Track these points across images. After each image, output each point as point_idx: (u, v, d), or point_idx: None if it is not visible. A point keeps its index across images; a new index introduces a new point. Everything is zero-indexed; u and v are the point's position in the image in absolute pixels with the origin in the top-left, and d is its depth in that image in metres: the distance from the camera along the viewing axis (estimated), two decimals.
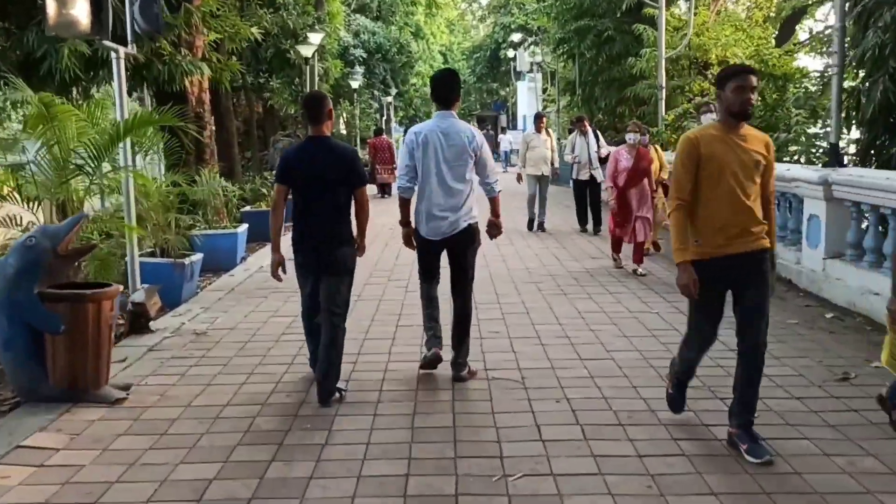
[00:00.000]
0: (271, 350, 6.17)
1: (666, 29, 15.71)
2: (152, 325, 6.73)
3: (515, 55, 37.26)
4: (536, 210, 12.89)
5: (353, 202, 4.84)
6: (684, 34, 15.34)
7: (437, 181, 5.03)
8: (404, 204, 5.24)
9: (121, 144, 6.40)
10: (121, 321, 6.56)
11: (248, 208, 12.78)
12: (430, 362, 5.32)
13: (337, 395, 4.84)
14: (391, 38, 30.85)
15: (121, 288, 5.32)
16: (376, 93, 33.88)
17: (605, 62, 19.39)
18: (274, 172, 6.10)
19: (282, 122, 25.16)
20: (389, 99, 35.78)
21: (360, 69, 25.67)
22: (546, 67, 30.68)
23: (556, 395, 5.01)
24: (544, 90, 31.90)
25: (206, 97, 10.90)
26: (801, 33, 25.65)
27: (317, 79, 17.95)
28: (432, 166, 5.03)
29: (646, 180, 9.11)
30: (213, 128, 11.55)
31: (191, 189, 8.53)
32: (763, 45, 12.50)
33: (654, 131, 14.11)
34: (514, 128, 37.29)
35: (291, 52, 17.18)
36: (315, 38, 15.78)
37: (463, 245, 5.14)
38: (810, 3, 23.30)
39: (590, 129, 12.51)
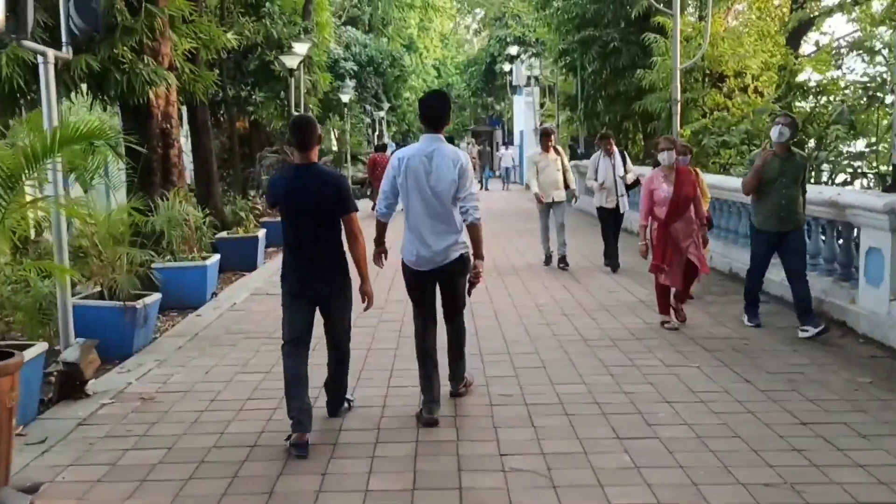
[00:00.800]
0: (231, 425, 4.95)
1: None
2: (89, 387, 5.52)
3: (512, 69, 36.25)
4: (552, 243, 10.98)
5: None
6: (698, 44, 14.28)
7: (424, 209, 4.78)
8: (380, 225, 5.09)
9: (50, 164, 5.19)
10: (52, 379, 5.37)
11: (224, 234, 11.56)
12: (428, 423, 4.82)
13: (346, 405, 5.01)
14: (383, 50, 29.76)
15: (24, 358, 4.11)
16: (368, 107, 32.78)
17: (610, 75, 18.35)
18: (261, 191, 5.51)
19: (269, 138, 24.01)
20: (382, 114, 34.66)
21: (350, 83, 24.56)
22: (544, 81, 29.66)
23: (596, 496, 3.82)
24: (542, 105, 30.86)
25: (174, 111, 9.71)
26: (806, 45, 24.77)
27: (303, 92, 16.78)
28: (417, 194, 4.79)
29: (692, 209, 7.17)
30: (182, 145, 10.33)
31: (142, 218, 7.28)
32: (789, 54, 11.42)
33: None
34: (511, 143, 36.20)
35: (276, 63, 16.03)
36: (301, 48, 14.64)
37: (453, 275, 4.93)
38: (817, 14, 22.35)
39: (616, 150, 10.60)
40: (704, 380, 5.72)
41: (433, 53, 52.31)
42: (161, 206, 8.48)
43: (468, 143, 35.44)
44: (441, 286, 4.98)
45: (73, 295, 6.77)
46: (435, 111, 4.93)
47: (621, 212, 10.58)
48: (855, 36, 23.11)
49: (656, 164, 7.58)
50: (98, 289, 6.81)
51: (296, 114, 19.43)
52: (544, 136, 10.98)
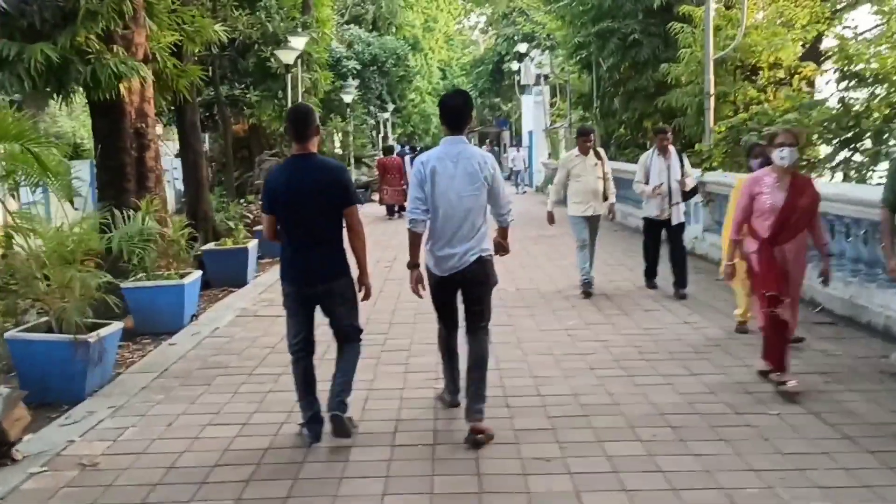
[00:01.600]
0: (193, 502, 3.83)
1: (702, 29, 13.49)
2: (17, 449, 4.38)
3: (520, 68, 35.09)
4: (588, 264, 8.97)
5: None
6: (728, 35, 13.11)
7: (447, 213, 4.53)
8: (415, 241, 4.63)
9: None
10: None
11: (210, 246, 10.43)
12: (452, 405, 5.02)
13: (351, 424, 4.62)
14: (387, 48, 28.65)
15: None
16: (372, 108, 31.70)
17: (629, 69, 17.17)
18: (258, 196, 4.75)
19: (268, 141, 22.94)
20: (387, 115, 33.58)
21: (353, 82, 23.46)
22: (554, 80, 28.48)
23: None
24: (552, 104, 29.70)
25: (150, 108, 8.59)
26: (827, 40, 23.54)
27: (301, 91, 15.66)
28: (442, 198, 4.53)
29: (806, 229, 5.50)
30: (167, 148, 9.20)
31: (93, 234, 6.14)
32: (843, 39, 10.22)
33: (699, 148, 11.84)
34: (519, 144, 35.01)
35: (273, 59, 14.95)
36: (298, 42, 13.54)
37: (475, 281, 4.61)
38: (840, 6, 21.10)
39: (672, 149, 8.50)
40: None
41: (438, 54, 51.29)
42: (130, 216, 7.33)
43: (477, 146, 34.47)
44: (464, 293, 4.70)
45: (14, 326, 5.66)
46: (457, 111, 4.67)
47: (674, 223, 8.48)
48: (878, 30, 21.90)
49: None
50: (45, 319, 5.68)
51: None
52: (582, 136, 8.74)
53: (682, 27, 13.65)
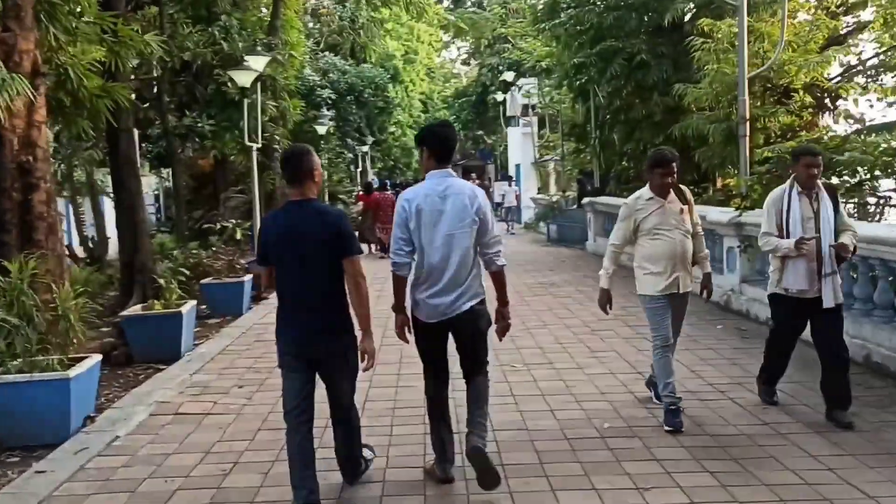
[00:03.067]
0: None
1: (727, 45, 11.71)
2: None
3: (505, 98, 33.46)
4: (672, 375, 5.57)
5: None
6: (756, 51, 11.31)
7: (435, 254, 4.20)
8: (400, 284, 4.31)
9: None
10: None
11: (133, 311, 8.30)
12: (444, 481, 4.35)
13: (364, 465, 4.39)
14: (365, 77, 26.80)
15: None
16: (350, 141, 29.80)
17: (632, 95, 15.36)
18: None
19: (235, 176, 20.92)
20: (365, 148, 31.69)
21: (327, 112, 21.53)
22: (544, 110, 26.74)
23: None
24: (541, 136, 27.97)
25: (41, 137, 6.50)
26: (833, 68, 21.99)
27: (264, 119, 13.64)
28: (429, 238, 4.21)
29: None
30: (51, 186, 7.12)
31: None
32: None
33: (737, 182, 9.94)
34: (512, 178, 33.16)
35: (230, 84, 13.00)
36: (257, 62, 11.59)
37: (468, 330, 4.26)
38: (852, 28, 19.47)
39: (822, 186, 5.34)
40: None
41: (419, 87, 49.75)
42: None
43: (472, 181, 32.54)
44: (456, 339, 4.34)
45: None
46: (448, 142, 4.40)
47: (828, 305, 5.20)
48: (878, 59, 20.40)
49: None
50: None
51: (279, 144, 16.41)
52: (659, 167, 5.35)
53: (704, 42, 11.83)
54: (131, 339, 7.77)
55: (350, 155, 30.05)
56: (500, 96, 33.80)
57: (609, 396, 6.20)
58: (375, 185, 22.73)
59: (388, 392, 6.32)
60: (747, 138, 9.72)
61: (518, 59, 28.66)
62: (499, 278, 4.32)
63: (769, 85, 11.54)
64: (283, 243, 3.89)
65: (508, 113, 33.06)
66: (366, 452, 4.44)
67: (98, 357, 5.88)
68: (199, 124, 13.56)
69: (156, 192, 26.74)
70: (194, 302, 8.45)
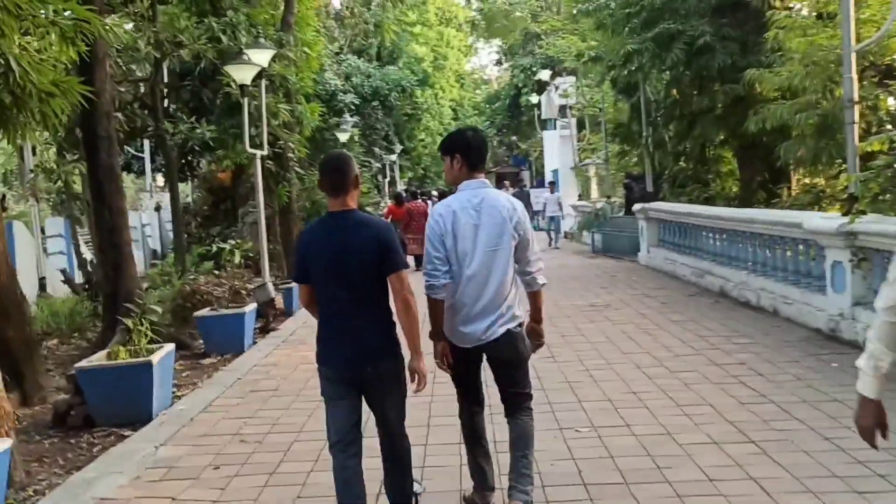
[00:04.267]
0: None
1: (812, 20, 9.81)
2: None
3: (540, 100, 31.65)
4: None
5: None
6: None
7: (471, 273, 3.84)
8: (437, 309, 3.90)
9: None
10: None
11: (89, 362, 6.63)
12: None
13: (414, 501, 3.98)
14: (390, 79, 25.15)
15: None
16: (377, 150, 28.23)
17: (691, 85, 13.47)
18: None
19: (253, 190, 19.42)
20: (394, 157, 30.09)
21: (350, 118, 19.92)
22: (584, 109, 24.82)
23: None
24: (580, 138, 26.08)
25: None
26: None
27: (274, 123, 12.01)
28: (464, 255, 3.85)
29: None
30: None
31: None
32: None
33: (850, 177, 8.04)
34: (541, 185, 31.26)
35: (233, 85, 11.42)
36: (259, 56, 9.97)
37: (505, 359, 3.94)
38: None
39: None
40: None
41: (449, 93, 48.23)
42: None
43: (505, 188, 30.38)
44: (493, 367, 3.98)
45: None
46: (481, 148, 4.01)
47: None
48: None
49: None
50: None
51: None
52: None
53: (787, 16, 9.90)
54: (90, 395, 6.15)
55: (377, 164, 28.47)
56: (534, 98, 32.05)
57: (723, 486, 4.37)
58: (405, 196, 21.12)
59: (422, 416, 5.62)
60: (856, 126, 7.82)
61: (553, 56, 26.83)
62: (537, 297, 4.07)
63: (869, 63, 9.60)
64: (325, 258, 3.62)
65: (544, 115, 31.20)
66: (415, 486, 3.98)
67: (8, 442, 4.22)
68: (198, 130, 11.96)
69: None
70: (171, 346, 6.77)
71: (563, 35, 23.94)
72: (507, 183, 29.31)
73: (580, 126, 27.00)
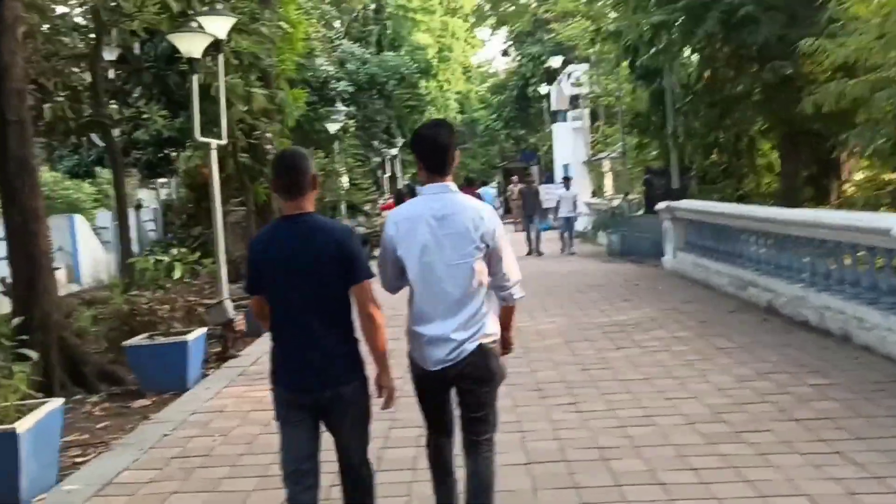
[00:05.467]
0: None
1: None
2: None
3: (549, 91, 29.81)
4: None
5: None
6: None
7: (434, 294, 3.45)
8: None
9: None
10: None
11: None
12: None
13: None
14: (388, 66, 23.31)
15: None
16: (377, 143, 26.47)
17: (727, 66, 11.64)
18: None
19: (236, 188, 17.66)
20: (395, 151, 28.32)
21: (342, 108, 18.10)
22: (601, 97, 22.94)
23: None
24: (594, 130, 24.24)
25: None
26: None
27: (229, 105, 10.20)
28: (424, 268, 3.44)
29: None
30: None
31: None
32: None
33: None
34: (550, 180, 29.39)
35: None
36: (214, 25, 8.16)
37: (474, 377, 3.47)
38: None
39: None
40: None
41: (455, 85, 46.44)
42: None
43: (513, 183, 28.25)
44: (458, 393, 3.54)
45: None
46: (439, 147, 3.49)
47: None
48: None
49: None
50: None
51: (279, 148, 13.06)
52: None
53: None
54: None
55: (377, 158, 26.69)
56: (543, 89, 30.22)
57: None
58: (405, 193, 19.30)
59: (409, 435, 5.00)
60: None
61: (563, 43, 24.97)
62: (511, 312, 3.66)
63: None
64: (278, 267, 3.31)
65: (554, 107, 29.31)
66: None
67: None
68: (146, 116, 10.20)
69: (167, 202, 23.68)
70: (58, 402, 4.99)
71: (576, 19, 22.08)
72: (514, 178, 27.43)
73: (593, 117, 25.17)
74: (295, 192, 3.32)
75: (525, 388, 6.52)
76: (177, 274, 7.85)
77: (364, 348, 3.39)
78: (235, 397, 6.88)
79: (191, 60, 8.12)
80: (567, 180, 17.83)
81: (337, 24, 27.22)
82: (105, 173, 21.05)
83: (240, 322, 8.79)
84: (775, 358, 7.10)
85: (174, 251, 8.37)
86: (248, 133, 12.71)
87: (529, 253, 18.16)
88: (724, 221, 11.15)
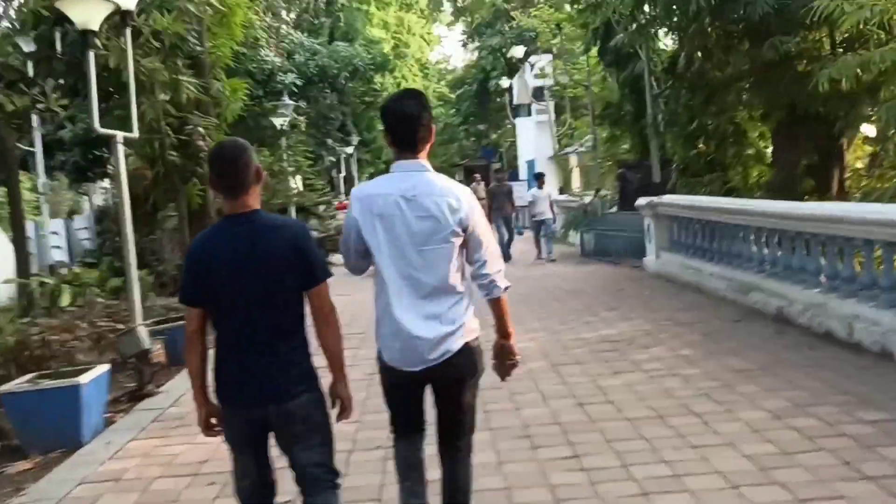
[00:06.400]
0: None
1: None
2: None
3: (511, 84, 28.59)
4: None
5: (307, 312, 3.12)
6: None
7: (404, 282, 3.09)
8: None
9: None
10: None
11: None
12: None
13: None
14: (339, 57, 21.76)
15: None
16: (330, 141, 24.96)
17: (717, 45, 10.45)
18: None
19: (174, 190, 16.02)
20: (350, 150, 26.80)
21: (289, 101, 16.54)
22: (560, 92, 21.73)
23: None
24: (561, 122, 23.04)
25: None
26: None
27: (133, 95, 8.60)
28: (392, 257, 3.09)
29: None
30: None
31: None
32: None
33: None
34: (515, 178, 28.09)
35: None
36: None
37: (455, 378, 3.18)
38: None
39: None
40: None
41: (412, 83, 45.14)
42: None
43: (475, 181, 26.79)
44: (436, 394, 3.25)
45: None
46: (410, 120, 3.11)
47: None
48: None
49: None
50: None
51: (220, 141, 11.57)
52: None
53: None
54: None
55: (331, 158, 25.16)
56: (504, 82, 28.96)
57: None
58: None
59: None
60: None
61: (525, 33, 23.72)
62: (499, 306, 3.22)
63: None
64: (224, 273, 2.99)
65: (516, 101, 28.08)
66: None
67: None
68: (41, 105, 8.63)
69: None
70: None
71: (538, 6, 20.88)
72: (477, 176, 26.04)
73: (558, 110, 23.98)
74: (237, 188, 3.01)
75: (511, 434, 5.17)
76: (64, 301, 6.31)
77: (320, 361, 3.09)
78: (141, 456, 5.38)
79: (85, 33, 6.60)
80: (540, 178, 16.20)
81: (288, 15, 25.61)
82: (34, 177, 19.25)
83: (158, 353, 7.26)
84: (809, 383, 5.86)
85: (75, 271, 6.82)
86: (177, 128, 11.17)
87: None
88: (719, 218, 9.95)
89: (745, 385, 5.92)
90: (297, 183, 21.68)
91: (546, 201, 15.72)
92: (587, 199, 17.45)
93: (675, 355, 7.07)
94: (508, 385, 6.42)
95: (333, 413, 3.14)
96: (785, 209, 8.15)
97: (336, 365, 3.13)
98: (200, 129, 10.91)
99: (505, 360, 3.30)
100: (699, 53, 10.37)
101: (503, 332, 3.26)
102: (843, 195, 10.32)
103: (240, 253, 2.97)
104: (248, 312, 2.99)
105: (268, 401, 3.01)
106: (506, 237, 15.85)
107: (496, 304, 3.22)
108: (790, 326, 7.80)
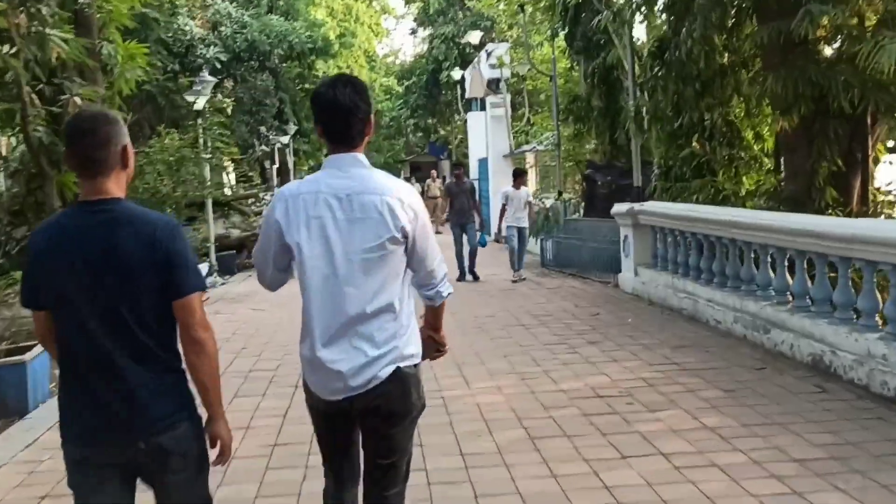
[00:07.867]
0: None
1: None
2: None
3: (463, 76, 26.63)
4: None
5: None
6: None
7: (332, 291, 2.63)
8: None
9: None
10: None
11: None
12: None
13: None
14: (273, 32, 19.35)
15: None
16: (264, 129, 22.61)
17: (719, 25, 8.65)
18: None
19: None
20: (286, 139, 24.42)
21: (209, 78, 14.10)
22: (516, 83, 19.83)
23: None
24: (518, 117, 21.17)
25: None
26: None
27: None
28: (318, 263, 2.63)
29: None
30: None
31: None
32: None
33: None
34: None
35: None
36: None
37: (388, 411, 2.70)
38: None
39: None
40: None
41: (358, 74, 42.85)
42: None
43: (431, 178, 24.48)
44: (363, 433, 2.78)
45: None
46: (341, 110, 2.64)
47: None
48: None
49: None
50: None
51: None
52: None
53: None
54: None
55: (263, 147, 22.78)
56: (456, 73, 26.98)
57: None
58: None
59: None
60: None
61: (480, 19, 21.77)
62: (439, 311, 2.93)
63: None
64: (69, 273, 2.41)
65: (469, 94, 26.07)
66: None
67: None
68: None
69: None
70: None
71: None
72: (433, 173, 23.90)
73: (515, 105, 22.11)
74: (93, 167, 2.42)
75: None
76: None
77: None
78: None
79: None
80: (518, 175, 13.63)
81: None
82: None
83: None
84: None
85: None
86: (49, 99, 8.85)
87: (461, 277, 12.65)
88: (723, 232, 8.11)
89: (827, 493, 4.01)
90: (229, 175, 19.37)
91: (523, 204, 12.99)
92: (548, 203, 15.55)
93: (701, 427, 5.13)
94: (474, 475, 4.45)
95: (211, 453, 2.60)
96: (827, 227, 6.32)
97: (210, 399, 2.57)
98: (78, 98, 8.56)
99: (431, 351, 2.94)
100: (698, 34, 8.49)
101: (433, 325, 2.94)
102: (865, 209, 8.64)
103: (89, 249, 2.38)
104: (96, 325, 2.39)
105: (138, 434, 2.42)
106: (465, 250, 12.84)
107: (436, 310, 2.93)
108: (833, 378, 5.99)
